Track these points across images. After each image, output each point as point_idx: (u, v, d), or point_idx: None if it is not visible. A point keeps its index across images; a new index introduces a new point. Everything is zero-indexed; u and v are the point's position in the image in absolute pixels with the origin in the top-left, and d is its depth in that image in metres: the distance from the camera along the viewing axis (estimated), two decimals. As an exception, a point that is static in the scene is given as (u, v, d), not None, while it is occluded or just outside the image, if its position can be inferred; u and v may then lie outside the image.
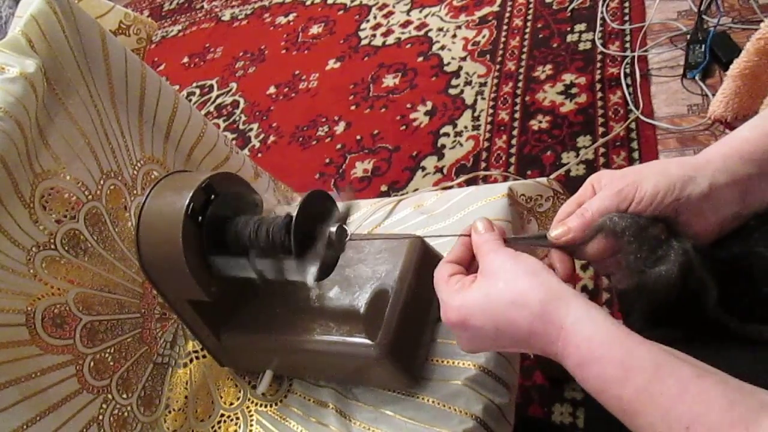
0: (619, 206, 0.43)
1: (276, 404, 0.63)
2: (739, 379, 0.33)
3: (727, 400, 0.31)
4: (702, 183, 0.42)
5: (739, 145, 0.43)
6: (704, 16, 1.37)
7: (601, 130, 1.32)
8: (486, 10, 1.80)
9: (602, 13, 1.57)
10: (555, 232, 0.45)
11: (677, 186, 0.42)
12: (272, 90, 1.91)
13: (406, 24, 1.89)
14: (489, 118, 1.47)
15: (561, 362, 0.38)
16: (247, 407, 0.64)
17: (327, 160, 1.58)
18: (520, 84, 1.52)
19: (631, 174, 0.44)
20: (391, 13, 1.97)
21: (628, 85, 1.37)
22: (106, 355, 0.59)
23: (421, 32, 1.83)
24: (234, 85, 2.02)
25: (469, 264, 0.48)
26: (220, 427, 0.63)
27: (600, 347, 0.35)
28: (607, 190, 0.44)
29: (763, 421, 0.29)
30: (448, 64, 1.67)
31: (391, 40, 1.87)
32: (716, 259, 0.43)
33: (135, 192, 0.64)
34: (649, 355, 0.34)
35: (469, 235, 0.47)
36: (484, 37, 1.71)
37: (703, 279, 0.42)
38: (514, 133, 1.41)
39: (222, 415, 0.64)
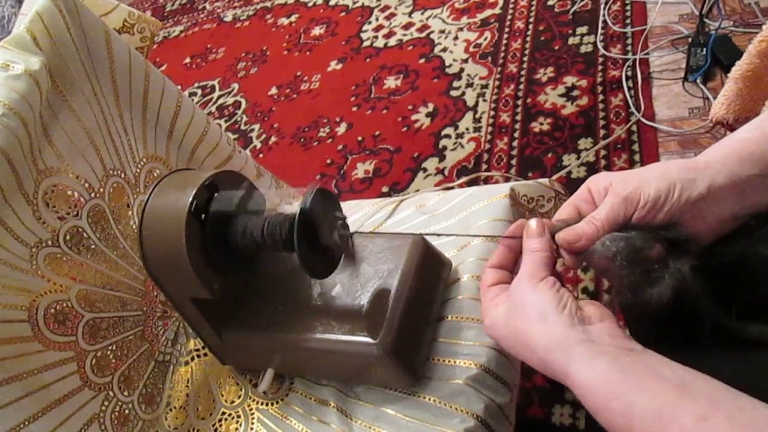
0: (626, 212, 0.43)
1: (277, 402, 0.63)
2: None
3: None
4: (701, 184, 0.42)
5: (738, 146, 0.44)
6: (705, 20, 1.37)
7: (602, 132, 1.32)
8: (488, 12, 1.80)
9: (604, 15, 1.57)
10: (565, 235, 0.45)
11: (677, 188, 0.42)
12: (274, 91, 1.91)
13: (407, 26, 1.90)
14: (490, 120, 1.47)
15: None
16: (249, 405, 0.64)
17: (328, 161, 1.58)
18: (521, 86, 1.52)
19: (634, 178, 0.44)
20: (393, 15, 1.98)
21: (629, 88, 1.37)
22: (108, 352, 0.59)
23: (423, 34, 1.83)
24: (236, 85, 2.02)
25: (514, 266, 0.47)
26: (221, 425, 0.63)
27: (602, 398, 0.36)
28: (613, 197, 0.44)
29: None
30: (450, 66, 1.68)
31: (392, 41, 1.87)
32: (717, 259, 0.44)
33: (138, 190, 0.64)
34: (651, 403, 0.34)
35: (517, 237, 0.46)
36: (485, 39, 1.71)
37: (699, 300, 0.42)
38: (516, 135, 1.41)
39: (223, 413, 0.64)
